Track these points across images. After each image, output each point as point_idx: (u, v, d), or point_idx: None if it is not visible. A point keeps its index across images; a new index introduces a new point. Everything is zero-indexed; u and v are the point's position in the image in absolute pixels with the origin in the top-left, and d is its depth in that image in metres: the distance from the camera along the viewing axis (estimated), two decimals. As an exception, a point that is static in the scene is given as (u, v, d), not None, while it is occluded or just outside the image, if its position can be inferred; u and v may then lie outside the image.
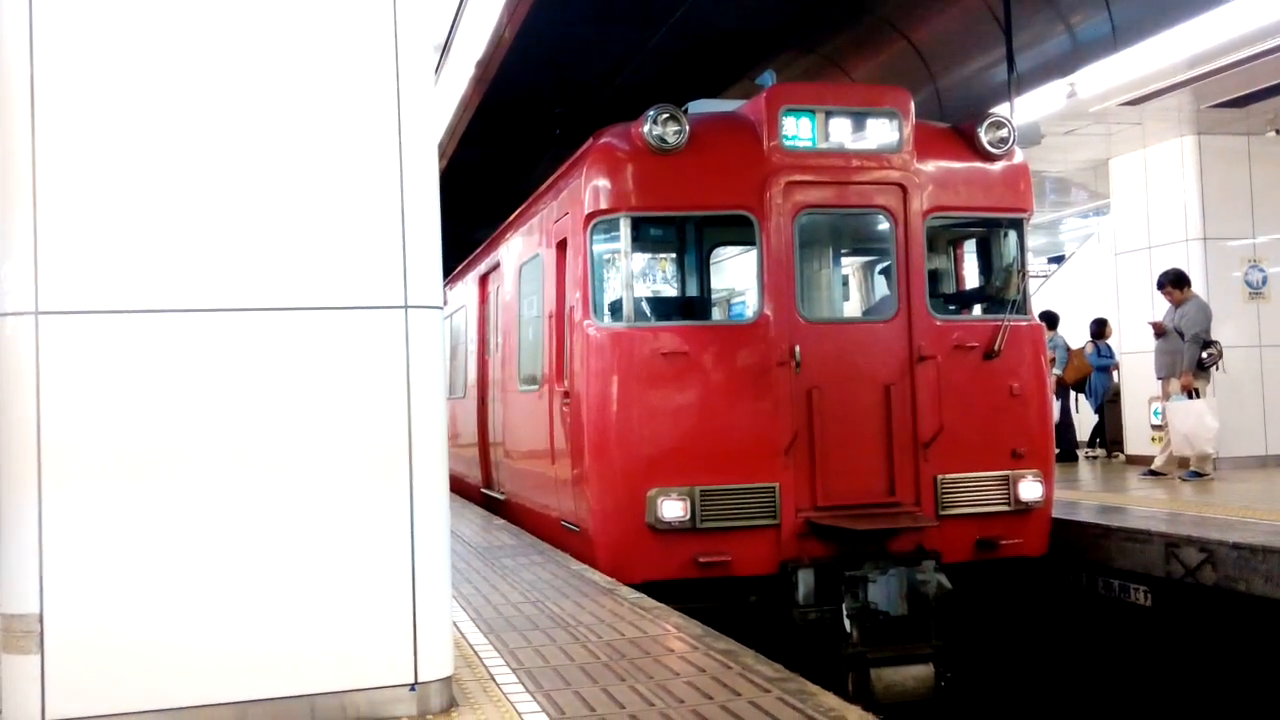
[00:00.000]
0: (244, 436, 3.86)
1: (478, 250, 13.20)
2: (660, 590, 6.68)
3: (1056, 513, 8.26)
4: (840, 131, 7.72)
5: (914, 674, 7.15)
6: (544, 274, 8.90)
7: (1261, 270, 13.09)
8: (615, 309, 7.76)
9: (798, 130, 7.64)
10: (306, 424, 3.92)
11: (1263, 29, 9.16)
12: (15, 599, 3.67)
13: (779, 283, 7.54)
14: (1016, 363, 7.94)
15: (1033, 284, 10.38)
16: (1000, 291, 8.35)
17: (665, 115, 7.42)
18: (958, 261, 9.05)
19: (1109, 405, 15.03)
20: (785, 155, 7.60)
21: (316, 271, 3.96)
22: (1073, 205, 19.04)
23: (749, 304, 9.02)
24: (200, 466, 3.81)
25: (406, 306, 4.02)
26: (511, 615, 5.83)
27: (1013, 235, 8.38)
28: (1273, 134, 12.74)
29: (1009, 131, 8.07)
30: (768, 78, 8.27)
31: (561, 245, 8.33)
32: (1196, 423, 10.91)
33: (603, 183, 7.68)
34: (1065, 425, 14.46)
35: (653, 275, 10.47)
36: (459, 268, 14.60)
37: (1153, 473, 11.69)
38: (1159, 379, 11.63)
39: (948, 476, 7.65)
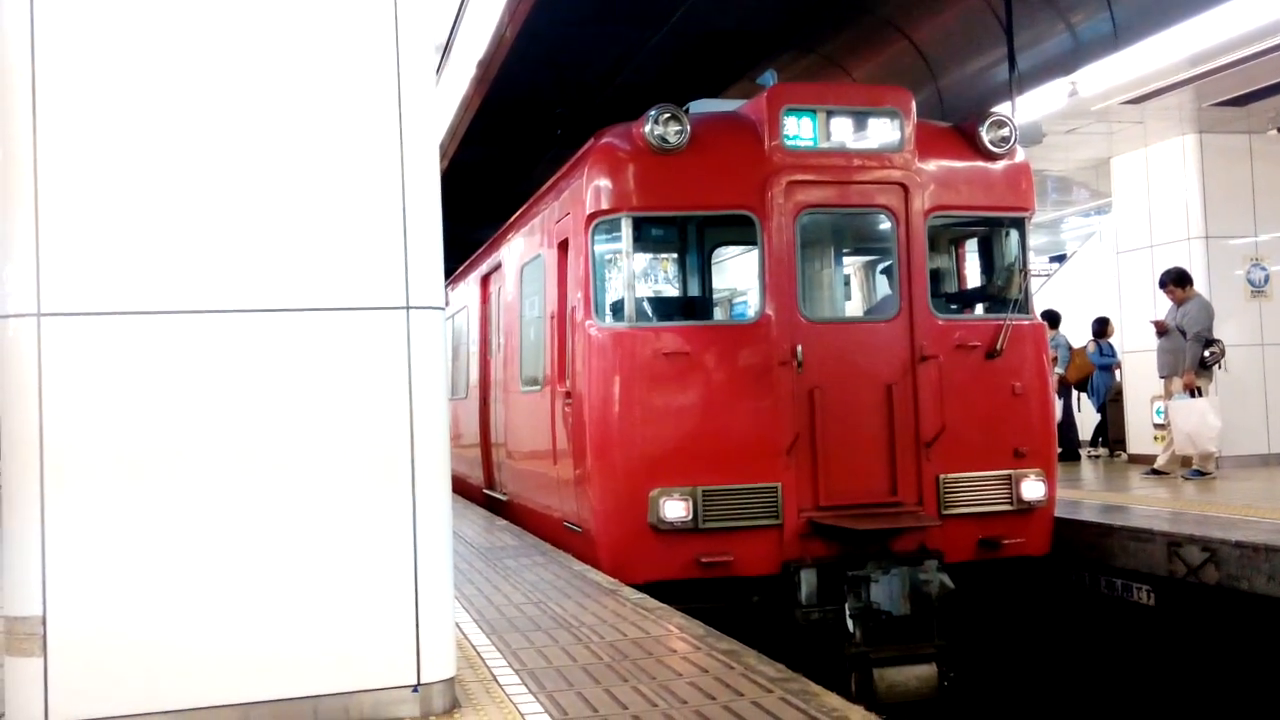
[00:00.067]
0: (246, 438, 3.86)
1: (479, 251, 13.20)
2: (663, 591, 6.68)
3: (1059, 512, 8.25)
4: (841, 131, 7.72)
5: (917, 674, 7.15)
6: (545, 274, 8.89)
7: (1263, 268, 13.08)
8: (617, 309, 7.76)
9: (799, 130, 7.63)
10: (309, 425, 3.93)
11: (1264, 28, 9.15)
12: (18, 601, 3.67)
13: (780, 282, 7.54)
14: (1019, 362, 7.93)
15: (1034, 283, 10.38)
16: (1002, 291, 8.35)
17: (666, 115, 7.42)
18: (959, 261, 9.04)
19: (1111, 404, 15.03)
20: (786, 155, 7.60)
21: (318, 272, 3.97)
22: (1074, 204, 19.04)
23: (750, 304, 9.02)
24: (202, 468, 3.81)
25: (408, 307, 4.02)
26: (514, 616, 5.83)
27: (1014, 234, 8.37)
28: (1274, 132, 12.74)
29: (1010, 130, 8.06)
30: (769, 77, 8.26)
31: (563, 245, 8.33)
32: (1199, 421, 10.91)
33: (604, 183, 7.68)
34: (1067, 424, 14.45)
35: (654, 275, 10.47)
36: (461, 268, 14.60)
37: (1155, 472, 11.69)
38: (1161, 378, 11.62)
39: (950, 476, 7.64)
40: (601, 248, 7.84)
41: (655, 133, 7.41)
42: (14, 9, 3.70)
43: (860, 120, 7.75)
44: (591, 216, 7.71)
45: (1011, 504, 7.76)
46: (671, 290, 10.07)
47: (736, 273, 12.43)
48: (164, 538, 3.77)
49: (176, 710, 3.74)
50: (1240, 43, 9.51)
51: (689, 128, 7.45)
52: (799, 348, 7.42)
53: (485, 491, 11.82)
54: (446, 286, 12.86)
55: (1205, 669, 7.51)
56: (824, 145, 7.68)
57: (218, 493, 3.82)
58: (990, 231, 8.56)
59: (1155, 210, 13.48)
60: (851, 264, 10.22)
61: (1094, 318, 15.54)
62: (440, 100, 13.24)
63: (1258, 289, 13.04)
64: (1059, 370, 13.96)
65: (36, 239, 3.69)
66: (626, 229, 7.61)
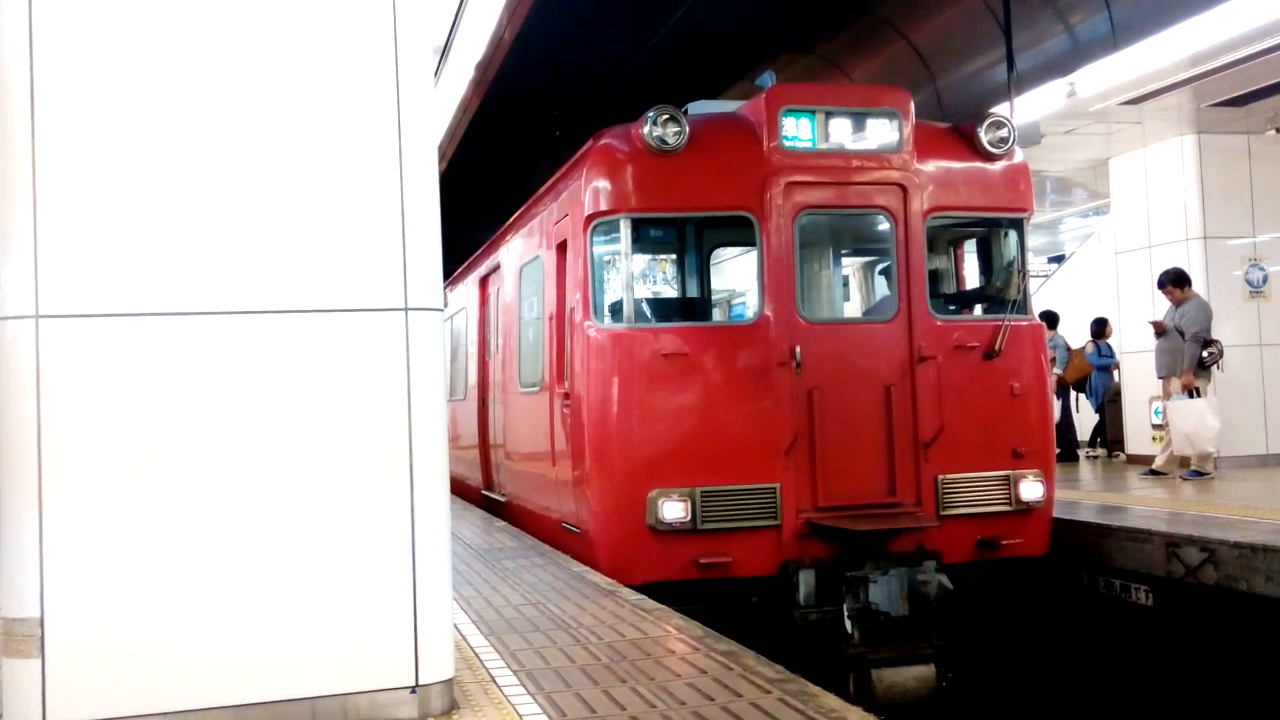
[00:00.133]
0: (245, 439, 3.86)
1: (478, 252, 13.20)
2: (661, 591, 6.68)
3: (1057, 512, 8.25)
4: (840, 132, 7.72)
5: (915, 674, 7.15)
6: (544, 275, 8.90)
7: (1262, 269, 13.09)
8: (616, 310, 7.76)
9: (798, 131, 7.63)
10: (307, 427, 3.92)
11: (1262, 28, 9.16)
12: (16, 602, 3.67)
13: (779, 283, 7.54)
14: (1017, 362, 7.94)
15: (1033, 284, 10.38)
16: (1001, 291, 8.35)
17: (665, 116, 7.42)
18: (958, 261, 9.04)
19: (1110, 405, 15.03)
20: (785, 156, 7.60)
21: (316, 274, 3.96)
22: (1073, 205, 19.05)
23: (749, 305, 9.02)
24: (200, 470, 3.81)
25: (407, 309, 4.02)
26: (512, 617, 5.83)
27: (1013, 235, 8.37)
28: (1273, 133, 12.75)
29: (1009, 131, 8.07)
30: (767, 78, 8.26)
31: (562, 247, 8.33)
32: (1197, 422, 10.91)
33: (603, 184, 7.68)
34: (1066, 425, 14.46)
35: (653, 276, 10.48)
36: (459, 270, 14.60)
37: (1154, 472, 11.69)
38: (1160, 378, 11.63)
39: (948, 477, 7.64)
40: (600, 249, 7.84)
41: (654, 134, 7.41)
42: (12, 10, 3.70)
43: (859, 121, 7.75)
44: (590, 218, 7.72)
45: (1010, 504, 7.76)
46: (670, 291, 10.07)
47: (735, 274, 12.43)
48: (161, 539, 3.76)
49: (175, 711, 3.74)
50: (1239, 43, 9.51)
51: (688, 129, 7.45)
52: (798, 348, 7.42)
53: (484, 493, 11.82)
54: (445, 288, 12.85)
55: (1204, 669, 7.52)
56: (823, 146, 7.68)
57: (216, 494, 3.82)
58: (989, 232, 8.56)
59: (1154, 211, 13.49)
60: (850, 265, 10.23)
61: (1092, 318, 15.56)
62: (439, 102, 13.24)
63: (1256, 289, 13.05)
64: (1057, 371, 13.97)
65: (35, 240, 3.69)
66: (625, 230, 7.61)
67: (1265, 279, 13.08)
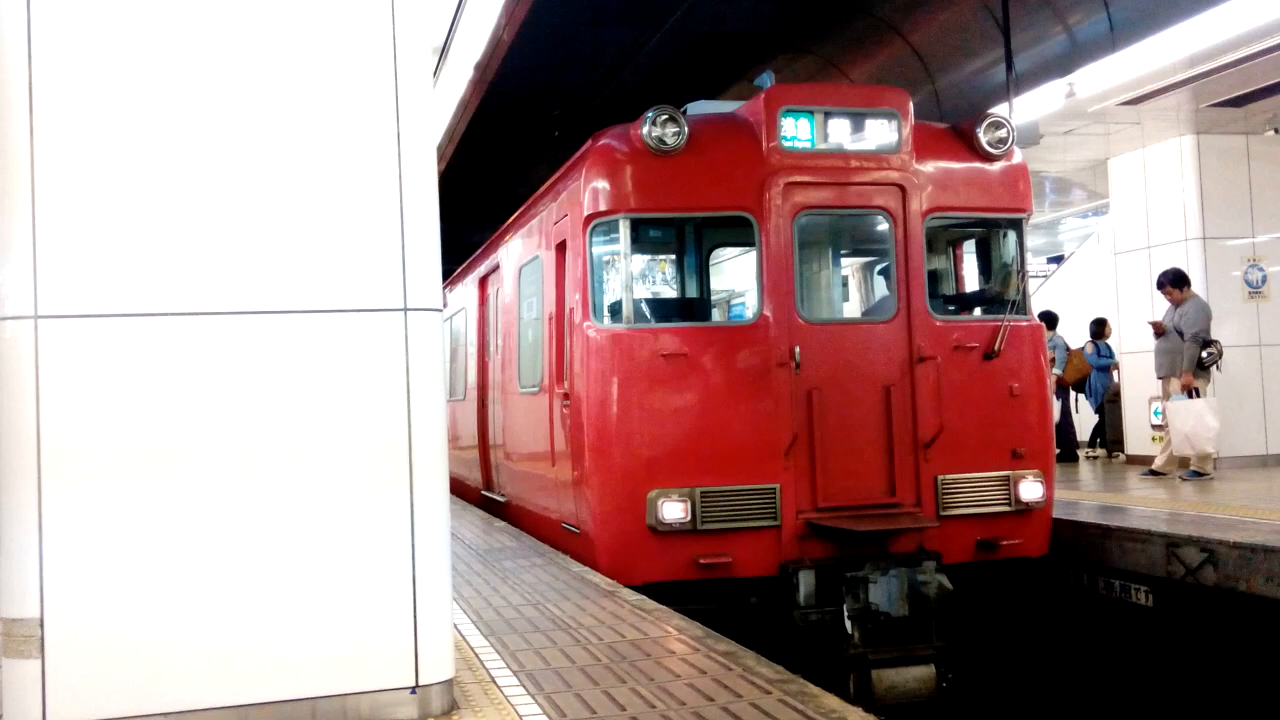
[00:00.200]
0: (244, 440, 3.86)
1: (477, 252, 13.20)
2: (661, 592, 6.68)
3: (1057, 513, 8.26)
4: (839, 132, 7.72)
5: (915, 675, 7.15)
6: (543, 276, 8.90)
7: (1261, 269, 13.10)
8: (615, 311, 7.76)
9: (796, 131, 7.64)
10: (307, 427, 3.92)
11: (1261, 28, 9.16)
12: (16, 603, 3.67)
13: (778, 284, 7.54)
14: (1016, 363, 7.94)
15: (1032, 284, 10.38)
16: (1000, 292, 8.36)
17: (664, 117, 7.43)
18: (957, 262, 9.05)
19: (1109, 405, 15.04)
20: (784, 156, 7.60)
21: (315, 274, 3.96)
22: (1072, 205, 19.06)
23: (748, 305, 9.03)
24: (200, 470, 3.81)
25: (406, 309, 4.02)
26: (512, 617, 5.83)
27: (1012, 235, 8.38)
28: (1271, 133, 12.76)
29: (1008, 131, 8.07)
30: (766, 79, 8.26)
31: (561, 247, 8.33)
32: (1197, 422, 10.91)
33: (602, 184, 7.68)
34: (1065, 425, 14.46)
35: (652, 277, 10.48)
36: (458, 270, 14.60)
37: (1153, 472, 11.70)
38: (1159, 379, 11.64)
39: (948, 477, 7.65)
40: (599, 249, 7.84)
41: (653, 134, 7.41)
42: (10, 10, 3.70)
43: (858, 121, 7.75)
44: (589, 218, 7.72)
45: (1010, 505, 7.76)
46: (669, 292, 10.07)
47: (734, 274, 12.43)
48: (161, 539, 3.76)
49: (175, 712, 3.74)
50: (1237, 43, 9.52)
51: (687, 129, 7.45)
52: (797, 349, 7.42)
53: (483, 493, 11.82)
54: (444, 288, 12.85)
55: (1203, 670, 7.52)
56: (822, 146, 7.68)
57: (215, 494, 3.82)
58: (988, 232, 8.56)
59: (1153, 211, 13.50)
60: (849, 265, 10.23)
61: (1092, 319, 15.57)
62: (438, 102, 13.24)
63: (1255, 290, 13.05)
64: (1057, 371, 13.98)
65: (34, 241, 3.69)
66: (624, 230, 7.62)
67: (1264, 279, 13.09)
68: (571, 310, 7.92)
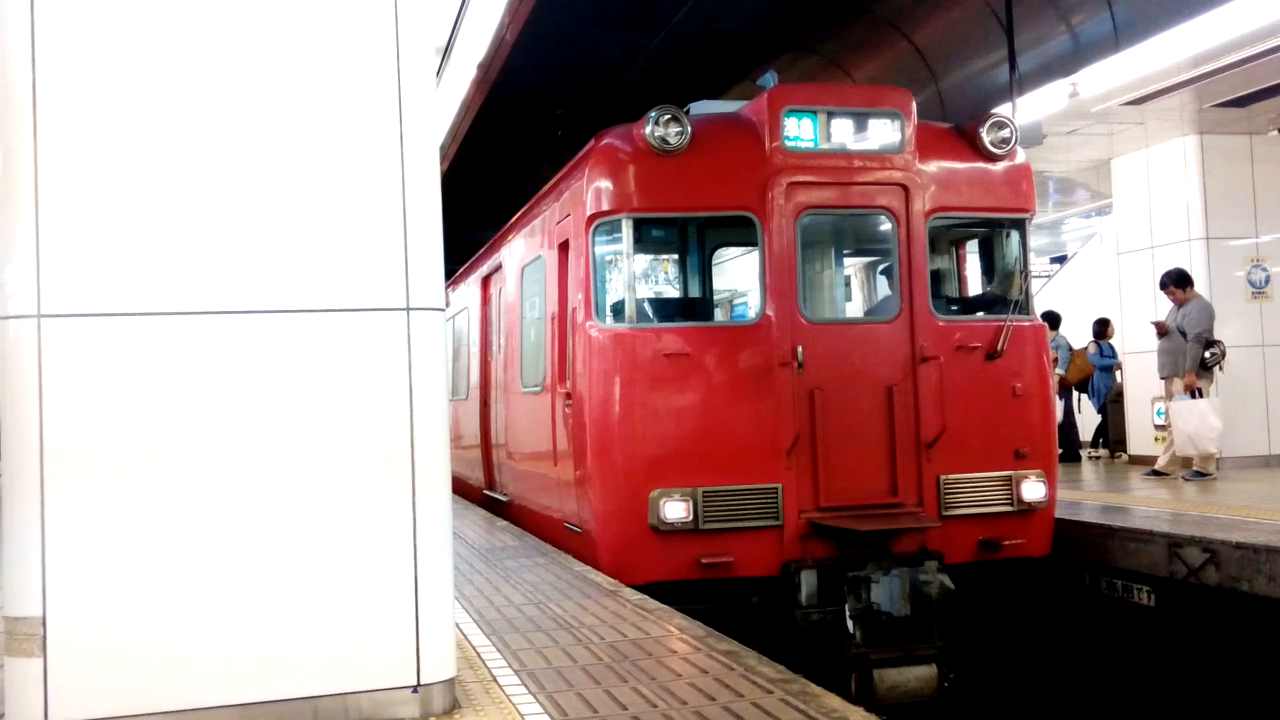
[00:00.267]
0: (247, 439, 3.86)
1: (480, 252, 13.20)
2: (663, 591, 6.68)
3: (1059, 513, 8.26)
4: (842, 132, 7.72)
5: (917, 675, 7.15)
6: (546, 275, 8.90)
7: (1264, 269, 13.09)
8: (617, 310, 7.76)
9: (799, 131, 7.63)
10: (309, 426, 3.93)
11: (1264, 28, 9.15)
12: (18, 602, 3.68)
13: (781, 283, 7.54)
14: (1019, 363, 7.94)
15: (1035, 284, 10.38)
16: (1003, 292, 8.36)
17: (667, 116, 7.43)
18: (960, 262, 9.05)
19: (1112, 405, 15.03)
20: (787, 156, 7.60)
21: (318, 274, 3.97)
22: (1075, 205, 19.04)
23: (751, 305, 9.02)
24: (202, 469, 3.81)
25: (409, 308, 4.02)
26: (514, 617, 5.84)
27: (1015, 235, 8.37)
28: (1275, 133, 12.75)
29: (1011, 131, 8.06)
30: (769, 79, 8.26)
31: (564, 247, 8.33)
32: (1199, 422, 10.91)
33: (605, 184, 7.68)
34: (1068, 425, 14.46)
35: (655, 276, 10.47)
36: (461, 269, 14.60)
37: (1156, 473, 11.69)
38: (1162, 379, 11.63)
39: (950, 477, 7.65)
40: (602, 249, 7.84)
41: (656, 134, 7.41)
42: (14, 11, 3.70)
43: (861, 121, 7.75)
44: (592, 218, 7.72)
45: (1012, 505, 7.76)
46: (672, 291, 10.07)
47: (737, 274, 12.43)
48: (164, 538, 3.77)
49: (176, 711, 3.74)
50: (1241, 44, 9.51)
51: (689, 129, 7.45)
52: (799, 349, 7.42)
53: (485, 492, 11.82)
54: (447, 288, 12.85)
55: (1205, 670, 7.51)
56: (824, 146, 7.68)
57: (218, 494, 3.82)
58: (991, 232, 8.56)
59: (1156, 211, 13.49)
60: (852, 265, 10.22)
61: (1094, 319, 15.55)
62: (441, 102, 13.24)
63: (1258, 290, 13.04)
64: (1059, 371, 13.97)
65: (37, 240, 3.69)
66: (627, 230, 7.62)
67: (1267, 279, 13.08)
68: (574, 310, 7.92)
